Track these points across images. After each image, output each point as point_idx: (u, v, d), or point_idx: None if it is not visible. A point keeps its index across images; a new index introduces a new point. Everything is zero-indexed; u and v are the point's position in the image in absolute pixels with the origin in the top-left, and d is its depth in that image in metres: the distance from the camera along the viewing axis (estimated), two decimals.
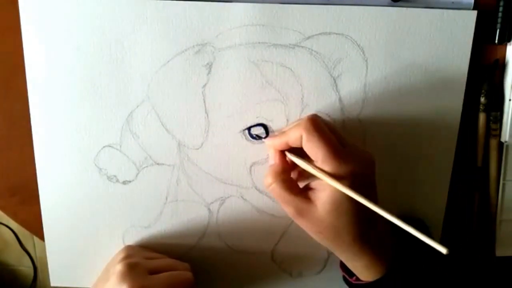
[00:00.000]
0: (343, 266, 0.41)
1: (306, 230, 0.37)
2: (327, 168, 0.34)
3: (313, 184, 0.36)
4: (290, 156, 0.37)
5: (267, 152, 0.41)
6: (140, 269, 0.38)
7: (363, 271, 0.37)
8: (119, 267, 0.37)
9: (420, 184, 0.44)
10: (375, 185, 0.37)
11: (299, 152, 0.36)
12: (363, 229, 0.35)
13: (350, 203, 0.34)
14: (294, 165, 0.38)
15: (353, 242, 0.35)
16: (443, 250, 0.30)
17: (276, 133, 0.40)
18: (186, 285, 0.39)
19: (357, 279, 0.39)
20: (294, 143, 0.35)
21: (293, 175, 0.39)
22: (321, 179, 0.34)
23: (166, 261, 0.42)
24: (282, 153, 0.37)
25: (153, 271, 0.38)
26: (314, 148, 0.34)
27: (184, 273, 0.40)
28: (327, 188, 0.34)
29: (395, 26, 0.40)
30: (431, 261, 0.39)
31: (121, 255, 0.41)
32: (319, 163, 0.34)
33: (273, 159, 0.38)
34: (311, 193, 0.35)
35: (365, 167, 0.35)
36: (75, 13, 0.39)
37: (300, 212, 0.35)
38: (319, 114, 0.40)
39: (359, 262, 0.37)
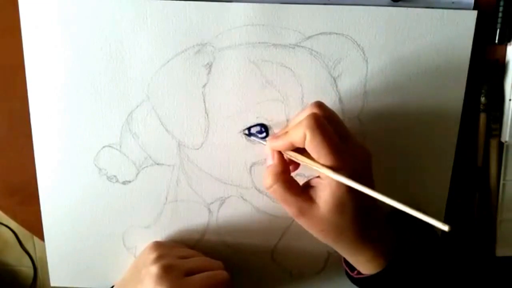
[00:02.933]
0: (345, 261, 0.41)
1: (308, 229, 0.36)
2: (327, 164, 0.33)
3: (314, 182, 0.36)
4: (289, 154, 0.36)
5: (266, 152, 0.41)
6: (176, 272, 0.37)
7: (365, 265, 0.37)
8: (154, 270, 0.37)
9: (420, 184, 0.44)
10: (372, 178, 0.37)
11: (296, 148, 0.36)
12: (365, 225, 0.35)
13: (352, 201, 0.34)
14: (291, 163, 0.38)
15: (355, 239, 0.35)
16: (445, 227, 0.29)
17: (276, 134, 0.40)
18: (223, 285, 0.38)
19: (359, 273, 0.39)
20: (299, 144, 0.35)
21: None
22: (321, 179, 0.34)
23: (200, 260, 0.41)
24: (280, 152, 0.37)
25: (189, 272, 0.38)
26: (317, 147, 0.33)
27: (220, 272, 0.39)
28: (328, 186, 0.34)
29: (395, 26, 0.40)
30: (431, 254, 0.39)
31: (153, 255, 0.39)
32: (321, 161, 0.34)
33: (271, 159, 0.37)
34: (312, 192, 0.35)
35: (363, 161, 0.35)
36: (75, 13, 0.39)
37: (302, 212, 0.35)
38: None
39: (361, 257, 0.37)
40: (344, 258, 0.41)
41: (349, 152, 0.34)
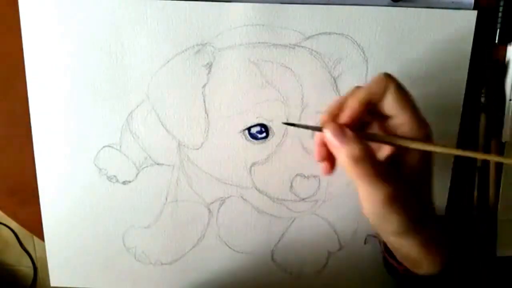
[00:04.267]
0: (390, 254, 0.37)
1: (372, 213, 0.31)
2: (414, 131, 0.30)
3: (396, 161, 0.31)
4: (381, 137, 0.31)
5: (268, 152, 0.41)
6: None
7: (422, 260, 0.33)
8: None
9: None
10: None
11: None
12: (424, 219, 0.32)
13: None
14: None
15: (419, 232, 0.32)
16: None
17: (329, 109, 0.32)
18: None
19: (406, 269, 0.35)
20: (378, 98, 0.30)
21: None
22: (411, 164, 0.31)
23: None
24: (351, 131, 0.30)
25: None
26: (405, 103, 0.30)
27: None
28: (425, 172, 0.31)
29: (395, 26, 0.40)
30: (481, 268, 0.38)
31: None
32: (406, 127, 0.30)
33: (343, 140, 0.30)
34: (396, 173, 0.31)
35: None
36: (75, 13, 0.39)
37: (392, 199, 0.30)
38: (319, 114, 0.40)
39: (419, 248, 0.33)
40: (387, 250, 0.37)
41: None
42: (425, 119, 0.30)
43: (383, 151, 0.33)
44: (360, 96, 0.30)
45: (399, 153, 0.31)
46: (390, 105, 0.30)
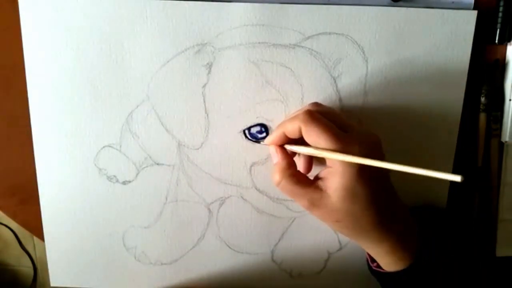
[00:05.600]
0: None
1: (323, 221, 0.36)
2: (331, 148, 0.33)
3: (322, 173, 0.35)
4: (291, 147, 0.37)
5: (268, 152, 0.41)
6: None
7: (385, 258, 0.37)
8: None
9: (420, 184, 0.44)
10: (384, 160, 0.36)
11: (299, 144, 0.36)
12: (381, 214, 0.34)
13: (363, 188, 0.33)
14: (306, 160, 0.38)
15: (372, 228, 0.34)
16: (457, 178, 0.27)
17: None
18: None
19: (378, 266, 0.38)
20: (292, 135, 0.35)
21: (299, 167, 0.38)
22: (329, 167, 0.34)
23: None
24: (283, 148, 0.37)
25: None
26: (315, 138, 0.33)
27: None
28: (337, 173, 0.33)
29: (395, 26, 0.40)
30: (453, 254, 0.39)
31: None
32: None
33: (276, 157, 0.37)
34: (321, 183, 0.35)
35: (372, 148, 0.34)
36: (75, 13, 0.39)
37: (314, 204, 0.34)
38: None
39: (379, 248, 0.36)
40: None
41: (353, 139, 0.34)
42: (347, 146, 0.33)
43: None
44: (277, 136, 0.37)
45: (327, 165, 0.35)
46: (309, 142, 0.34)
